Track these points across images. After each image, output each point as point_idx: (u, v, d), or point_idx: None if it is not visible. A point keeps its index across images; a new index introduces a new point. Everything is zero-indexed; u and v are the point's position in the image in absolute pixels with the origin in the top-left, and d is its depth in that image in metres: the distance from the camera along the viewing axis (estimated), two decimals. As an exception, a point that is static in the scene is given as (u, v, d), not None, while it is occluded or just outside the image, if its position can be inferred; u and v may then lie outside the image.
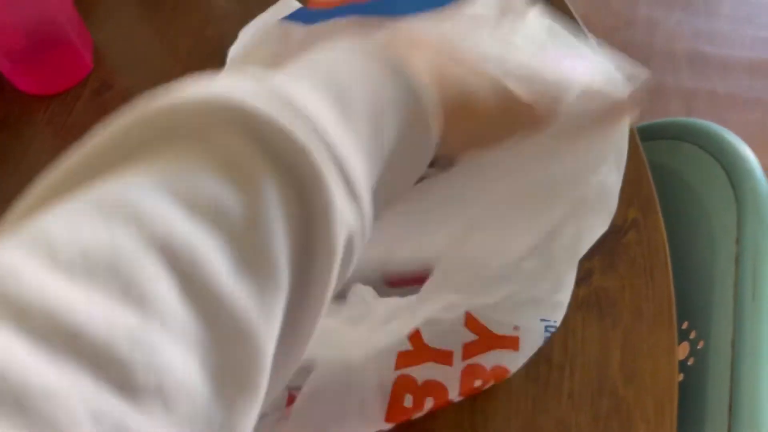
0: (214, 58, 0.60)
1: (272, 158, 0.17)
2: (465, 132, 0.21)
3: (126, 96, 0.59)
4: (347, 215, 0.18)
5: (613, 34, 1.63)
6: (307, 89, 0.18)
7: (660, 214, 0.53)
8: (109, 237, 0.15)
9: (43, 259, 0.14)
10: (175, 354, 0.14)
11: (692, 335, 0.53)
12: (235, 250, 0.16)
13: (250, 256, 0.16)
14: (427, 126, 0.20)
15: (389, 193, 0.20)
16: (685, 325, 0.54)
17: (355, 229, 0.18)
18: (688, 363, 0.53)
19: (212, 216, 0.16)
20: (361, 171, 0.18)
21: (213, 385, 0.15)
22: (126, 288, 0.14)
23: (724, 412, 0.47)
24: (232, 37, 0.55)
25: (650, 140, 0.63)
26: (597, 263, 0.46)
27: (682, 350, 0.54)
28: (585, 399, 0.47)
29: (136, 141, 0.18)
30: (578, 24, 0.63)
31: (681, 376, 0.53)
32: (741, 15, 1.69)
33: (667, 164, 0.62)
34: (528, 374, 0.46)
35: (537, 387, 0.47)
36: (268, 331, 0.16)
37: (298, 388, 0.37)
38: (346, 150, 0.17)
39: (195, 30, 0.61)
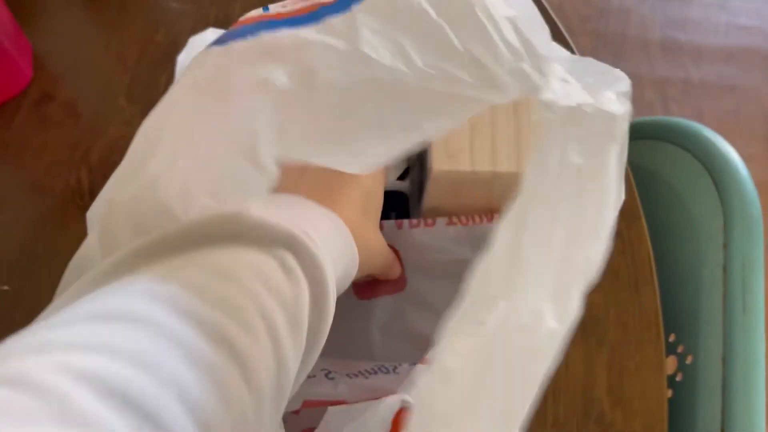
0: (164, 65, 0.56)
1: (304, 268, 0.27)
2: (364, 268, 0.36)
3: (69, 108, 0.55)
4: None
5: (587, 23, 1.61)
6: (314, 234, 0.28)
7: (644, 222, 0.51)
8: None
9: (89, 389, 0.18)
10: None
11: (680, 349, 0.51)
12: (289, 318, 0.25)
13: (294, 323, 0.25)
14: (355, 262, 0.34)
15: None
16: (672, 338, 0.52)
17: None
18: (677, 379, 0.50)
19: (277, 297, 0.25)
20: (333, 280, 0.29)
21: (276, 402, 0.24)
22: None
23: (716, 432, 0.44)
24: (184, 42, 0.51)
25: (630, 140, 0.60)
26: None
27: (670, 364, 0.51)
28: (571, 426, 0.44)
29: (209, 238, 0.26)
30: (550, 15, 0.60)
31: (670, 392, 0.50)
32: (714, 2, 1.68)
33: (647, 165, 0.59)
34: (509, 400, 0.43)
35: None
36: (295, 370, 0.25)
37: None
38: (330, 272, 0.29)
39: (144, 35, 0.56)
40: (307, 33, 0.25)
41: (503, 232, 0.23)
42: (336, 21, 0.25)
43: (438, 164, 0.40)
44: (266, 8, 0.30)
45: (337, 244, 0.32)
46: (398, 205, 0.47)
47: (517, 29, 0.24)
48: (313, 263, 0.27)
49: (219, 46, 0.28)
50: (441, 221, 0.43)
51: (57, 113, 0.53)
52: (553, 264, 0.24)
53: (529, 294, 0.23)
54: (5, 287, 0.46)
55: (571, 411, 0.45)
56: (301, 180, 0.33)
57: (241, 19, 0.30)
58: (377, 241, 0.39)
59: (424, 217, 0.44)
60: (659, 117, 0.62)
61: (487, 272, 0.23)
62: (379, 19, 0.25)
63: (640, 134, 0.61)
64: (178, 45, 0.55)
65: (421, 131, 0.27)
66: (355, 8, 0.25)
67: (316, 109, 0.26)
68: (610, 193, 0.25)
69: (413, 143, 0.28)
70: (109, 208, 0.30)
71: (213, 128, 0.27)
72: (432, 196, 0.42)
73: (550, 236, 0.24)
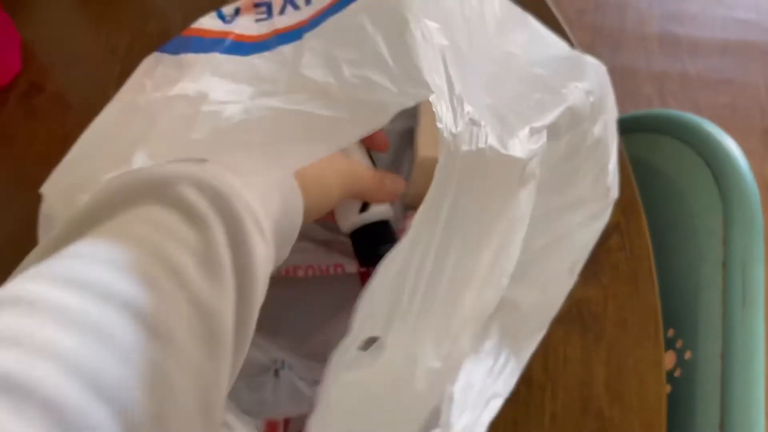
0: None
1: (216, 208, 0.26)
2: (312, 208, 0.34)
3: (58, 99, 0.54)
4: (261, 245, 0.27)
5: (583, 17, 1.60)
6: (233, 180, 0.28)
7: (643, 217, 0.50)
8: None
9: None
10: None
11: (679, 344, 0.50)
12: (199, 261, 0.24)
13: (208, 264, 0.25)
14: (296, 193, 0.32)
15: (281, 239, 0.31)
16: (670, 333, 0.51)
17: (264, 254, 0.27)
18: (675, 374, 0.50)
19: (180, 244, 0.25)
20: (265, 220, 0.28)
21: (205, 347, 0.23)
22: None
23: (714, 429, 0.44)
24: (176, 32, 0.50)
25: (629, 133, 0.59)
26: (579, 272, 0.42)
27: (669, 359, 0.51)
28: (569, 421, 0.44)
29: (121, 197, 0.26)
30: (548, 7, 0.59)
31: (668, 388, 0.50)
32: (710, -5, 1.68)
33: (647, 159, 0.59)
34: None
35: (517, 409, 0.44)
36: (227, 311, 0.25)
37: None
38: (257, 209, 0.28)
39: (134, 25, 0.55)
40: (256, 60, 0.28)
41: (386, 270, 0.24)
42: (286, 49, 0.28)
43: (424, 151, 0.40)
44: (220, 13, 0.31)
45: (268, 180, 0.31)
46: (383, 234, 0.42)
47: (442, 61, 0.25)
48: (220, 198, 0.26)
49: (170, 54, 0.29)
50: None
51: (46, 105, 0.52)
52: (438, 306, 0.25)
53: (409, 336, 0.24)
54: (-7, 282, 0.46)
55: (569, 407, 0.44)
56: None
57: (195, 26, 0.33)
58: (347, 165, 0.38)
59: (410, 204, 0.44)
60: (659, 110, 0.62)
61: (372, 308, 0.24)
62: (323, 41, 0.27)
63: (640, 127, 0.60)
64: (169, 35, 0.53)
65: (344, 134, 0.27)
66: (306, 36, 0.27)
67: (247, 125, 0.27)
68: (514, 236, 0.25)
69: (337, 145, 0.29)
70: (44, 201, 0.33)
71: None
72: (417, 183, 0.42)
73: (435, 279, 0.25)
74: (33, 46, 0.55)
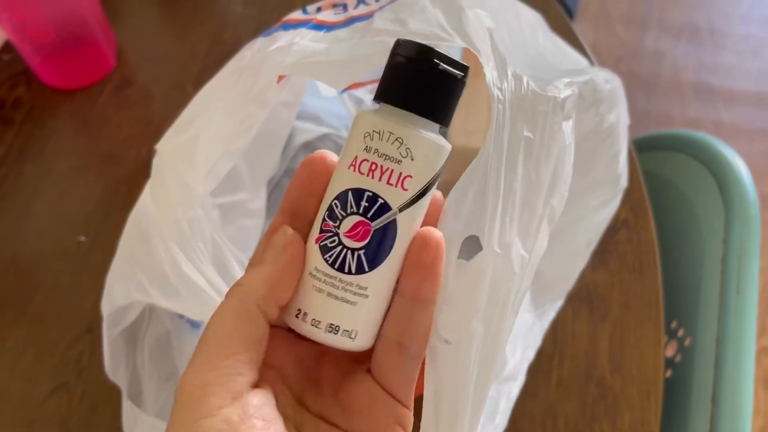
0: (229, 60, 0.64)
1: None
2: None
3: (145, 92, 0.63)
4: None
5: (620, 64, 1.66)
6: None
7: (650, 215, 0.56)
8: None
9: None
10: None
11: (680, 333, 0.55)
12: None
13: None
14: None
15: None
16: (674, 324, 0.56)
17: None
18: (676, 360, 0.54)
19: None
20: None
21: None
22: None
23: (707, 404, 0.48)
24: (247, 40, 0.58)
25: (645, 151, 0.65)
26: (588, 260, 0.48)
27: (671, 348, 0.55)
28: (573, 387, 0.49)
29: None
30: (587, 54, 0.66)
31: (669, 372, 0.54)
32: (747, 49, 1.73)
33: (661, 173, 0.64)
34: (518, 362, 0.48)
35: (527, 374, 0.49)
36: None
37: None
38: None
39: (212, 33, 0.64)
40: (336, 32, 0.34)
41: (465, 183, 0.28)
42: (360, 24, 0.34)
43: (455, 140, 0.46)
44: (305, 10, 0.38)
45: None
46: None
47: (491, 36, 0.31)
48: None
49: (264, 36, 0.36)
50: None
51: (134, 96, 0.61)
52: (516, 209, 0.29)
53: (498, 231, 0.29)
54: (82, 238, 0.54)
55: (574, 374, 0.49)
56: None
57: (285, 18, 0.39)
58: None
59: (440, 190, 0.50)
60: (670, 130, 0.68)
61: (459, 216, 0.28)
62: (391, 13, 0.33)
63: (654, 146, 0.66)
64: (241, 43, 0.62)
65: None
66: (376, 14, 0.33)
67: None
68: (565, 159, 0.30)
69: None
70: (157, 154, 0.37)
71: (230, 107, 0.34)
72: (448, 170, 0.48)
73: (509, 189, 0.28)
74: (126, 47, 0.64)
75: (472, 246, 0.29)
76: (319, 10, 0.38)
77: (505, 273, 0.28)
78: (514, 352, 0.44)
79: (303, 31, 0.34)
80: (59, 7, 0.56)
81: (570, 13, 1.62)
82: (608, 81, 0.41)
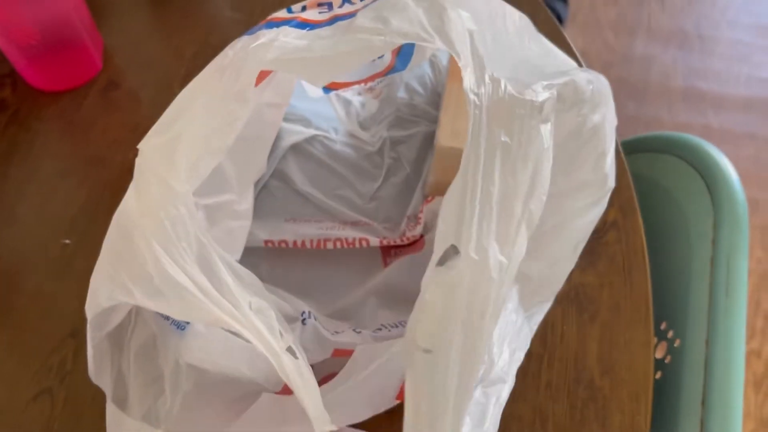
0: (216, 62, 0.64)
1: None
2: None
3: (131, 95, 0.62)
4: None
5: (610, 69, 1.67)
6: None
7: (639, 216, 0.56)
8: None
9: None
10: None
11: (670, 335, 0.55)
12: None
13: None
14: None
15: None
16: (663, 326, 0.56)
17: None
18: (666, 361, 0.54)
19: None
20: None
21: None
22: None
23: (697, 407, 0.48)
24: (235, 43, 0.58)
25: (634, 153, 0.65)
26: (577, 261, 0.47)
27: (660, 350, 0.55)
28: (562, 389, 0.48)
29: None
30: (577, 57, 0.66)
31: (659, 374, 0.54)
32: (735, 54, 1.74)
33: (649, 175, 0.64)
34: (507, 364, 0.48)
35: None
36: None
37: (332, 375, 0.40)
38: None
39: (200, 37, 0.64)
40: (318, 30, 0.34)
41: (451, 196, 0.29)
42: (343, 22, 0.34)
43: (443, 141, 0.46)
44: (289, 9, 0.39)
45: None
46: None
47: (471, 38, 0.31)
48: None
49: (248, 35, 0.36)
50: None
51: (121, 99, 0.61)
52: (494, 214, 0.29)
53: (475, 237, 0.29)
54: (67, 241, 0.53)
55: (563, 377, 0.49)
56: None
57: (269, 17, 0.39)
58: None
59: (428, 191, 0.50)
60: (658, 132, 0.68)
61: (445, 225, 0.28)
62: (373, 11, 0.33)
63: (642, 148, 0.66)
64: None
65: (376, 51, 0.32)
66: (359, 13, 0.33)
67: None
68: (544, 163, 0.30)
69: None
70: (140, 154, 0.37)
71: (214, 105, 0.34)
72: (436, 171, 0.48)
73: (487, 194, 0.29)
74: (113, 49, 0.64)
75: (449, 253, 0.29)
76: (304, 9, 0.38)
77: (483, 279, 0.28)
78: (501, 354, 0.44)
79: (286, 29, 0.34)
80: (45, 8, 0.55)
81: (560, 20, 1.63)
82: (591, 82, 0.41)
